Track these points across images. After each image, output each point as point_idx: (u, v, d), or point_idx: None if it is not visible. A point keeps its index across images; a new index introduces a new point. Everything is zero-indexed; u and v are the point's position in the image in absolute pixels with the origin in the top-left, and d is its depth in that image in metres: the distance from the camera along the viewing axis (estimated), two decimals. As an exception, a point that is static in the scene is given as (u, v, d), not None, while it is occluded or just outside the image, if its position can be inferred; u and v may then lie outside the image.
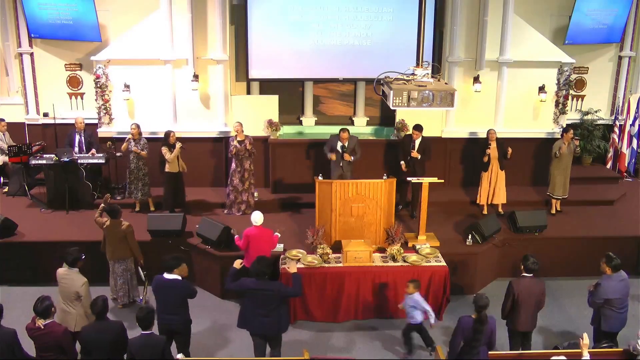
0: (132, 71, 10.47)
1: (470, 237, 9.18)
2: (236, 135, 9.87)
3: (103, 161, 10.35)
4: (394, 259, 8.36)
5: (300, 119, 11.80)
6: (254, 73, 11.14)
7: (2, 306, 5.89)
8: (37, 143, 11.15)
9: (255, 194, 10.23)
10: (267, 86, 11.49)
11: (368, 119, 11.84)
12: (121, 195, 10.47)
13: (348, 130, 9.83)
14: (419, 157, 9.86)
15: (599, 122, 12.46)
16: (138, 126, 9.87)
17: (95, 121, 10.83)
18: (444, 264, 8.36)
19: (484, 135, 10.30)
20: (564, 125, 10.83)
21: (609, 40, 12.19)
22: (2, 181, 11.21)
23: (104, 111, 10.66)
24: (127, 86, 10.45)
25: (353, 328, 8.17)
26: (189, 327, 6.80)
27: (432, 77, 6.45)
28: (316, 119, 11.80)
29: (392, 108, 6.36)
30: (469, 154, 11.02)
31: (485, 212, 10.24)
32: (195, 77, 10.44)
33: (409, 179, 9.34)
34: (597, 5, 11.65)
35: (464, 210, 10.45)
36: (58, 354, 5.89)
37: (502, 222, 9.62)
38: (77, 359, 6.21)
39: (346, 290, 8.19)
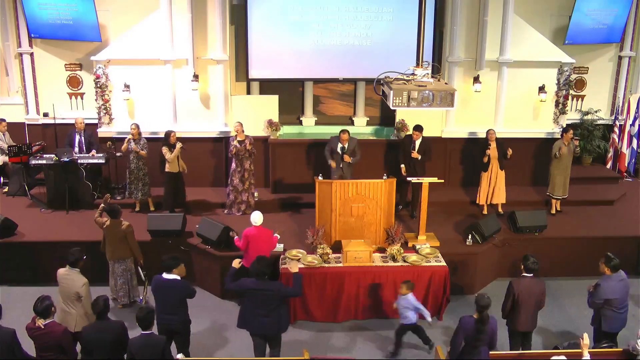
0: (132, 71, 10.47)
1: (470, 237, 9.18)
2: (236, 135, 9.88)
3: (103, 161, 10.35)
4: (394, 259, 8.36)
5: (300, 119, 11.80)
6: (254, 73, 11.14)
7: (0, 306, 5.89)
8: (37, 143, 11.15)
9: (256, 194, 10.23)
10: (267, 86, 11.49)
11: (368, 119, 11.85)
12: (121, 195, 10.47)
13: (348, 132, 9.83)
14: (420, 157, 9.86)
15: (599, 122, 12.46)
16: (138, 126, 9.87)
17: (95, 121, 10.83)
18: (444, 264, 8.36)
19: (484, 135, 10.30)
20: (564, 125, 10.83)
21: (609, 40, 12.19)
22: (2, 181, 11.21)
23: (104, 111, 10.66)
24: (127, 86, 10.45)
25: (353, 328, 8.17)
26: (188, 327, 6.80)
27: (432, 77, 6.45)
28: (316, 119, 11.80)
29: (392, 108, 6.36)
30: (469, 154, 11.02)
31: (485, 212, 10.25)
32: (195, 77, 10.44)
33: (409, 179, 9.35)
34: (597, 5, 11.65)
35: (464, 210, 10.45)
36: (58, 354, 5.89)
37: (502, 222, 9.63)
38: (77, 359, 6.21)
39: (346, 290, 8.19)
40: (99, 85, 10.50)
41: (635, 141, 12.13)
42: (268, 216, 9.20)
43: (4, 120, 11.04)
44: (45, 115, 11.65)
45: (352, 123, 11.81)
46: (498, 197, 10.19)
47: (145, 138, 10.04)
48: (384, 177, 8.88)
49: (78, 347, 6.22)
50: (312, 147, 10.81)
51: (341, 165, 9.82)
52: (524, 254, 7.00)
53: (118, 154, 10.30)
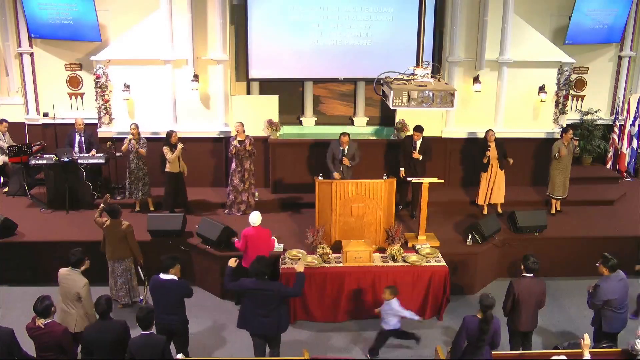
0: (132, 71, 10.47)
1: (470, 237, 9.18)
2: (237, 135, 9.88)
3: (103, 161, 10.35)
4: (394, 259, 8.36)
5: (300, 119, 11.80)
6: (254, 73, 11.14)
7: None
8: (37, 143, 11.16)
9: (256, 194, 10.23)
10: (267, 86, 11.49)
11: (368, 119, 11.85)
12: (121, 195, 10.47)
13: (348, 135, 9.83)
14: (421, 158, 9.86)
15: (599, 122, 12.46)
16: (137, 126, 9.88)
17: (95, 121, 10.83)
18: (444, 264, 8.37)
19: (484, 136, 10.29)
20: (564, 126, 10.84)
21: (609, 40, 12.19)
22: (2, 181, 11.21)
23: (104, 111, 10.66)
24: (127, 86, 10.45)
25: (353, 328, 8.17)
26: (187, 327, 6.80)
27: (432, 77, 6.45)
28: (316, 119, 11.81)
29: (392, 108, 6.36)
30: (469, 154, 11.02)
31: (485, 212, 10.25)
32: (195, 77, 10.44)
33: (409, 178, 9.35)
34: (597, 5, 11.65)
35: (464, 210, 10.45)
36: (58, 354, 5.89)
37: (502, 222, 9.62)
38: (77, 359, 6.21)
39: (346, 290, 8.19)
40: (99, 85, 10.51)
41: (635, 141, 12.13)
42: (268, 216, 9.22)
43: (5, 120, 11.05)
44: (45, 115, 11.65)
45: (352, 123, 11.82)
46: (496, 197, 10.19)
47: (146, 138, 10.05)
48: (384, 177, 8.88)
49: (78, 348, 6.23)
50: (312, 147, 10.81)
51: (341, 169, 9.83)
52: (524, 254, 7.00)
53: (118, 154, 10.30)
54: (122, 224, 8.01)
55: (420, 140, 9.92)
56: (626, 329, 6.99)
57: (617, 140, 12.25)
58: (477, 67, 10.87)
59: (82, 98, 11.80)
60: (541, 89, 10.85)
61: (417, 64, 6.55)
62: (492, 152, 10.00)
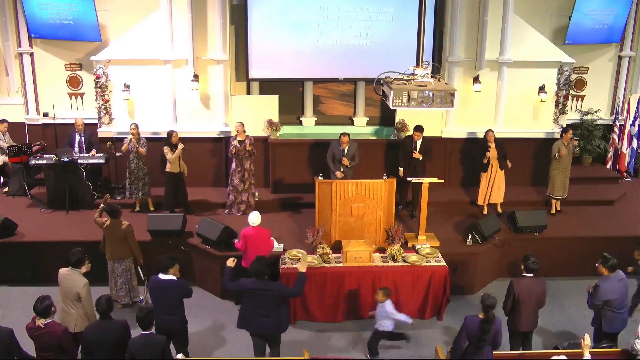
0: (132, 71, 10.47)
1: (470, 237, 9.18)
2: (237, 135, 9.88)
3: (103, 161, 10.35)
4: (394, 259, 8.36)
5: (300, 119, 11.80)
6: (254, 73, 11.14)
7: None
8: (37, 143, 11.16)
9: (256, 194, 10.22)
10: (267, 86, 11.49)
11: (368, 119, 11.85)
12: (121, 195, 10.47)
13: (348, 135, 9.84)
14: (421, 158, 9.86)
15: (599, 122, 12.46)
16: (137, 126, 9.88)
17: (95, 121, 10.83)
18: (444, 264, 8.36)
19: (483, 136, 10.29)
20: (564, 126, 10.84)
21: (609, 40, 12.19)
22: (2, 181, 11.21)
23: (104, 111, 10.66)
24: (127, 86, 10.45)
25: (353, 328, 8.17)
26: (186, 327, 6.80)
27: (432, 77, 6.45)
28: (316, 119, 11.81)
29: (392, 108, 6.36)
30: (469, 154, 11.02)
31: (485, 212, 10.24)
32: (195, 77, 10.44)
33: (409, 178, 9.34)
34: (597, 5, 11.65)
35: (464, 210, 10.45)
36: (58, 354, 5.89)
37: (502, 222, 9.62)
38: (77, 359, 6.21)
39: (346, 290, 8.19)
40: (99, 85, 10.51)
41: (635, 141, 12.13)
42: (268, 216, 9.23)
43: (5, 120, 11.05)
44: (45, 115, 11.65)
45: (352, 123, 11.82)
46: (496, 197, 10.19)
47: (147, 138, 10.06)
48: (384, 177, 8.88)
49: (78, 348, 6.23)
50: (312, 147, 10.81)
51: (342, 169, 9.83)
52: (524, 254, 7.00)
53: (118, 154, 10.30)
54: (122, 224, 8.01)
55: (421, 140, 9.92)
56: (626, 329, 6.98)
57: (617, 140, 12.25)
58: (477, 67, 10.87)
59: (82, 98, 11.80)
60: (541, 89, 10.85)
61: (417, 64, 6.55)
62: (492, 153, 10.00)
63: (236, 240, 8.18)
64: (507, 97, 10.95)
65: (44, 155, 10.32)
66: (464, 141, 11.13)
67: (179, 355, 6.21)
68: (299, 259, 8.28)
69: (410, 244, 8.96)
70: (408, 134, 10.51)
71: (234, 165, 9.96)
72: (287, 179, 10.86)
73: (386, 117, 11.63)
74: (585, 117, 12.41)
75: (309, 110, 11.76)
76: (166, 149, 9.72)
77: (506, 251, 9.35)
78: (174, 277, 6.55)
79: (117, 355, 5.79)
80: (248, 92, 11.52)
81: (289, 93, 11.56)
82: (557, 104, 11.11)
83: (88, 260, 6.78)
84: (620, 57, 12.45)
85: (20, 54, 11.45)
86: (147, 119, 10.54)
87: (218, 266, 8.69)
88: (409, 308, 8.22)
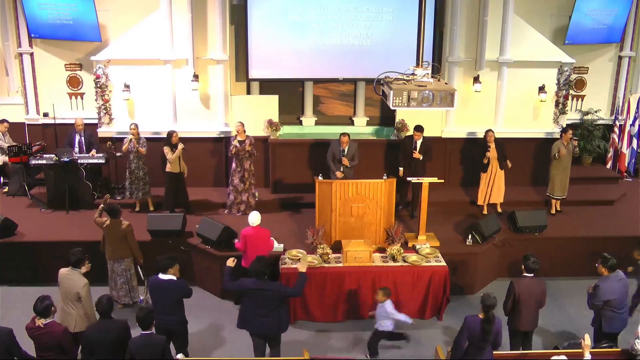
0: (132, 71, 10.47)
1: (470, 237, 9.18)
2: (237, 135, 9.88)
3: (103, 161, 10.35)
4: (394, 259, 8.36)
5: (300, 119, 11.80)
6: (254, 73, 11.14)
7: None
8: (37, 143, 11.16)
9: (256, 194, 10.22)
10: (267, 86, 11.49)
11: (368, 119, 11.85)
12: (121, 195, 10.47)
13: (348, 135, 9.84)
14: (421, 157, 9.86)
15: (599, 122, 12.46)
16: (137, 126, 9.88)
17: (95, 121, 10.83)
18: (444, 264, 8.36)
19: (483, 136, 10.28)
20: (564, 126, 10.84)
21: (609, 40, 12.19)
22: (2, 181, 11.21)
23: (104, 111, 10.66)
24: (127, 86, 10.45)
25: (353, 328, 8.17)
26: (185, 327, 6.80)
27: (432, 77, 6.45)
28: (316, 119, 11.81)
29: (392, 108, 6.36)
30: (469, 154, 11.02)
31: (485, 212, 10.24)
32: (195, 77, 10.44)
33: (409, 178, 9.33)
34: (597, 5, 11.65)
35: (464, 210, 10.45)
36: (58, 354, 5.89)
37: (502, 222, 9.62)
38: (77, 359, 6.21)
39: (346, 290, 8.19)
40: (99, 85, 10.51)
41: (635, 141, 12.13)
42: (268, 216, 9.22)
43: (5, 120, 11.05)
44: (45, 115, 11.66)
45: (352, 123, 11.82)
46: (495, 196, 10.19)
47: (147, 138, 10.06)
48: (384, 177, 8.88)
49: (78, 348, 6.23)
50: (312, 147, 10.81)
51: (342, 169, 9.83)
52: (524, 254, 7.00)
53: (118, 154, 10.30)
54: (122, 224, 8.01)
55: (421, 140, 9.92)
56: (626, 329, 6.98)
57: (617, 140, 12.25)
58: (477, 67, 10.87)
59: (82, 98, 11.80)
60: (541, 89, 10.85)
61: (417, 64, 6.55)
62: (492, 153, 10.00)
63: (236, 241, 8.18)
64: (507, 97, 10.95)
65: (44, 155, 10.32)
66: (464, 141, 11.13)
67: (179, 355, 6.21)
68: (299, 259, 8.29)
69: (410, 244, 8.96)
70: (408, 134, 10.51)
71: (234, 165, 9.96)
72: (287, 179, 10.86)
73: (386, 117, 11.63)
74: (585, 117, 12.40)
75: (309, 110, 11.76)
76: (166, 149, 9.72)
77: (506, 251, 9.35)
78: (174, 277, 6.55)
79: (117, 355, 5.79)
80: (248, 92, 11.52)
81: (289, 93, 11.56)
82: (557, 104, 11.11)
83: (88, 261, 6.78)
84: (620, 57, 12.45)
85: (20, 54, 11.45)
86: (147, 119, 10.54)
87: (218, 266, 8.69)
88: (409, 308, 8.22)
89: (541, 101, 10.92)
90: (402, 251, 8.43)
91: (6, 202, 10.53)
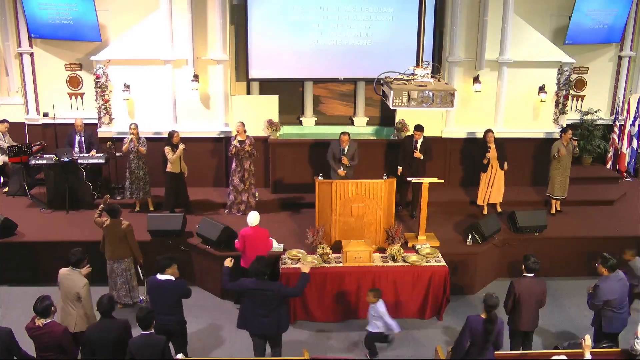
0: (132, 71, 10.47)
1: (470, 237, 9.18)
2: (237, 135, 9.88)
3: (103, 161, 10.35)
4: (394, 259, 8.36)
5: (300, 119, 11.80)
6: (254, 73, 11.14)
7: None
8: (37, 143, 11.16)
9: (256, 194, 10.22)
10: (267, 86, 11.49)
11: (368, 119, 11.85)
12: (121, 195, 10.47)
13: (348, 134, 9.84)
14: (422, 157, 9.86)
15: (599, 122, 12.46)
16: (137, 126, 9.88)
17: (95, 121, 10.83)
18: (444, 264, 8.36)
19: (483, 136, 10.28)
20: (564, 126, 10.84)
21: (609, 40, 12.19)
22: (2, 181, 11.21)
23: (104, 111, 10.66)
24: (127, 86, 10.45)
25: (353, 328, 8.17)
26: (184, 327, 6.80)
27: (432, 77, 6.45)
28: (316, 119, 11.81)
29: (392, 108, 6.36)
30: (469, 154, 11.02)
31: (485, 212, 10.24)
32: (195, 77, 10.44)
33: (409, 178, 9.33)
34: (597, 5, 11.65)
35: (464, 210, 10.45)
36: (58, 354, 5.89)
37: (502, 222, 9.62)
38: (77, 359, 6.21)
39: (346, 290, 8.18)
40: (99, 85, 10.51)
41: (635, 141, 12.13)
42: (268, 216, 9.22)
43: (6, 120, 11.05)
44: (45, 115, 11.66)
45: (352, 123, 11.82)
46: (495, 196, 10.19)
47: (147, 138, 10.06)
48: (384, 177, 8.88)
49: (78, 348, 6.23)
50: (312, 147, 10.81)
51: (342, 168, 9.83)
52: (524, 254, 7.00)
53: (118, 154, 10.30)
54: (121, 224, 8.01)
55: (421, 140, 9.92)
56: (626, 329, 6.98)
57: (617, 140, 12.25)
58: (477, 67, 10.87)
59: (82, 98, 11.80)
60: (541, 89, 10.85)
61: (417, 64, 6.55)
62: (492, 153, 10.00)
63: (236, 241, 8.17)
64: (507, 97, 10.95)
65: (44, 155, 10.32)
66: (464, 141, 11.13)
67: (179, 355, 6.21)
68: (299, 259, 8.29)
69: (410, 244, 8.96)
70: (408, 133, 10.51)
71: (234, 165, 9.96)
72: (287, 179, 10.86)
73: (386, 117, 11.63)
74: (585, 117, 12.40)
75: (309, 110, 11.76)
76: (167, 149, 9.72)
77: (506, 251, 9.35)
78: (172, 277, 6.55)
79: (118, 355, 5.79)
80: (248, 92, 11.52)
81: (289, 93, 11.56)
82: (557, 104, 11.11)
83: (89, 264, 6.77)
84: (620, 57, 12.45)
85: (20, 54, 11.45)
86: (147, 119, 10.54)
87: (218, 266, 8.68)
88: (409, 308, 8.24)
89: (541, 101, 10.92)
90: (402, 251, 8.43)
91: (6, 202, 10.54)
